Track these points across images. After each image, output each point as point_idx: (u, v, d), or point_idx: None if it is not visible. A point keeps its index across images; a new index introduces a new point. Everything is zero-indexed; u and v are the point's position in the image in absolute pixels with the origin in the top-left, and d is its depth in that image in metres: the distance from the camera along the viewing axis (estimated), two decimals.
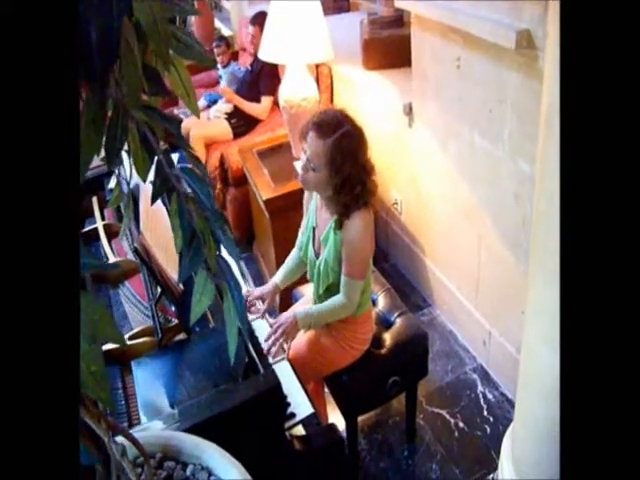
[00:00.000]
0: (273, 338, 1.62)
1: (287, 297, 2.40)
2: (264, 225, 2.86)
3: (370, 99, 2.95)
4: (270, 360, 1.54)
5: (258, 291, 1.86)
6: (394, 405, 2.30)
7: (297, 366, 1.71)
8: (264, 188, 2.68)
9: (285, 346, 1.66)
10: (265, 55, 2.60)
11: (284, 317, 1.69)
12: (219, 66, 3.95)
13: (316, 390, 1.93)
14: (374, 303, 2.12)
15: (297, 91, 2.64)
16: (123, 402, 1.36)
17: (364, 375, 1.90)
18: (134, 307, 1.72)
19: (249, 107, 3.57)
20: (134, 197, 1.64)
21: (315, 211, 1.79)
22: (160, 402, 1.26)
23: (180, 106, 4.30)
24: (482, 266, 2.30)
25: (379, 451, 2.20)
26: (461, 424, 2.23)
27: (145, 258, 1.37)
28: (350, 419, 2.00)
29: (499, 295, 2.23)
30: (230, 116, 3.62)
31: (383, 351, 1.94)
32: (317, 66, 3.23)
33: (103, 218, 2.07)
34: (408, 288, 2.97)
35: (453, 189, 2.37)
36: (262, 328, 1.76)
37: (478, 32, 1.79)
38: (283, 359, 1.60)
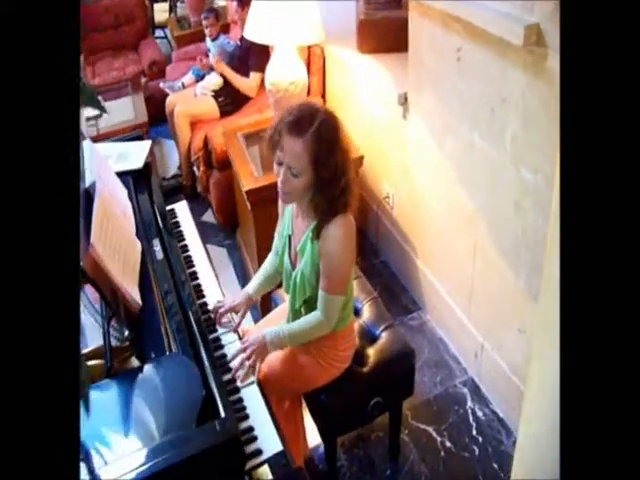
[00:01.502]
0: (240, 359, 1.50)
1: (267, 301, 2.28)
2: (246, 215, 2.75)
3: (364, 85, 2.78)
4: (238, 384, 1.43)
5: (229, 303, 1.73)
6: (378, 419, 2.18)
7: (271, 383, 1.61)
8: (247, 177, 2.56)
9: (255, 368, 1.53)
10: (251, 34, 2.44)
11: (253, 337, 1.57)
12: (208, 39, 3.77)
13: (292, 409, 1.81)
14: (358, 313, 1.99)
15: (284, 74, 2.47)
16: None
17: (344, 395, 1.78)
18: (91, 317, 1.56)
19: (238, 81, 3.41)
20: (89, 196, 1.48)
21: (291, 219, 1.65)
22: (101, 447, 1.12)
23: (166, 79, 4.12)
24: (477, 275, 2.16)
25: (360, 468, 2.10)
26: (448, 443, 2.12)
27: (91, 277, 1.22)
28: (329, 439, 1.89)
29: (494, 308, 2.10)
30: (217, 94, 3.47)
31: (365, 369, 1.82)
32: (309, 46, 3.06)
33: None
34: (398, 288, 2.84)
35: (448, 190, 2.22)
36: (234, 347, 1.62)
37: (482, 23, 1.61)
38: (252, 383, 1.48)
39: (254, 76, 3.35)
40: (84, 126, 3.64)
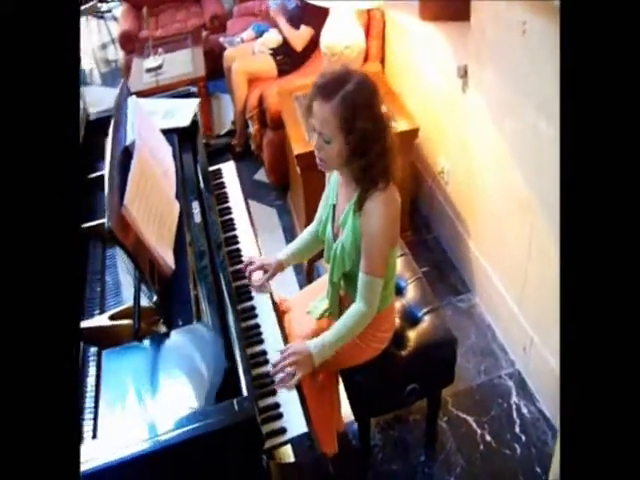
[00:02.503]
0: (281, 365, 1.44)
1: (311, 270, 2.24)
2: (297, 178, 2.71)
3: (423, 54, 2.64)
4: (276, 387, 1.39)
5: (259, 261, 1.70)
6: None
7: None
8: (297, 141, 2.51)
9: (295, 376, 1.44)
10: None
11: (297, 347, 1.50)
12: None
13: (329, 383, 1.77)
14: (401, 292, 1.92)
15: (341, 37, 2.39)
16: (94, 393, 1.23)
17: (380, 377, 1.74)
18: (127, 275, 1.54)
19: (288, 32, 3.35)
20: (129, 153, 1.44)
21: (336, 188, 1.61)
22: (121, 411, 1.11)
23: (226, 34, 4.07)
24: (531, 264, 2.03)
25: (393, 450, 2.05)
26: (488, 437, 2.04)
27: (122, 241, 1.19)
28: (362, 419, 1.85)
29: (547, 301, 1.96)
30: (275, 52, 3.40)
31: (404, 353, 1.76)
32: (368, 10, 2.93)
33: None
34: (448, 267, 2.73)
35: (504, 173, 2.09)
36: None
37: None
38: (290, 387, 1.41)
39: (304, 29, 3.28)
40: (144, 77, 3.65)
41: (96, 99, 4.01)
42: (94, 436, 1.10)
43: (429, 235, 2.92)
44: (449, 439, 2.05)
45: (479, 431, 2.06)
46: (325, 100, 1.35)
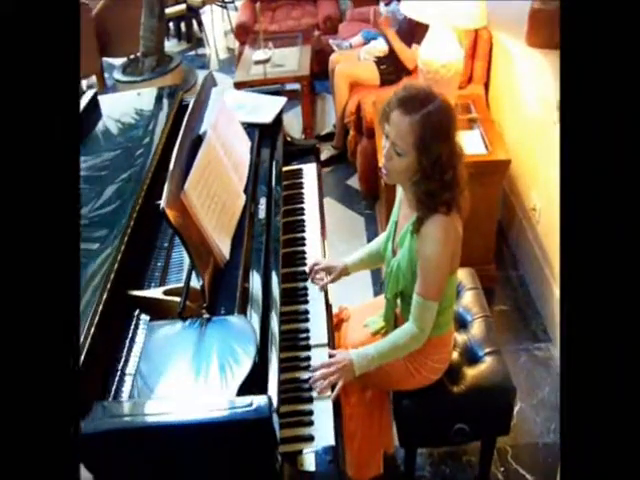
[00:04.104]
0: (323, 373, 1.48)
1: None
2: (382, 190, 2.73)
3: (525, 81, 2.59)
4: (314, 394, 1.43)
5: (325, 263, 1.77)
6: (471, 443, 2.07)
7: None
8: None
9: (338, 385, 1.49)
10: (407, 8, 2.41)
11: (340, 356, 1.54)
12: (382, 3, 3.76)
13: (378, 401, 1.80)
14: (465, 327, 1.90)
15: (438, 55, 2.40)
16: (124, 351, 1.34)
17: (427, 408, 1.74)
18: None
19: (400, 48, 3.40)
20: (200, 138, 1.54)
21: (399, 205, 1.64)
22: (150, 381, 1.20)
23: (336, 37, 4.20)
24: None
25: None
26: None
27: (173, 224, 1.28)
28: (407, 447, 1.85)
29: None
30: (380, 61, 3.48)
31: (456, 389, 1.73)
32: (476, 30, 2.93)
33: None
34: (531, 310, 2.64)
35: None
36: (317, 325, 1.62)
37: None
38: (328, 398, 1.44)
39: (416, 48, 3.28)
40: (253, 68, 3.85)
41: None
42: (130, 396, 1.21)
43: (514, 272, 2.84)
44: None
45: None
46: (405, 113, 1.38)
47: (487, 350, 1.81)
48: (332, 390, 1.45)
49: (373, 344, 1.59)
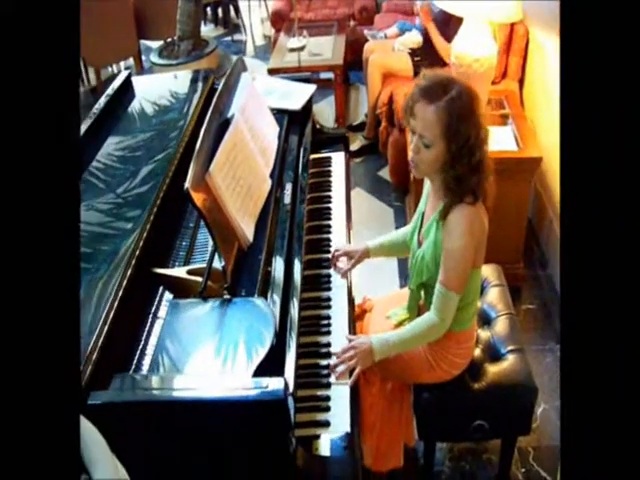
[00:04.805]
0: (342, 357, 1.50)
1: None
2: (412, 183, 2.73)
3: (557, 79, 2.52)
4: (332, 379, 1.45)
5: (346, 248, 1.78)
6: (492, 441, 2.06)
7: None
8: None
9: (356, 370, 1.51)
10: (441, 1, 2.36)
11: (360, 341, 1.56)
12: None
13: (400, 395, 1.80)
14: (489, 323, 1.89)
15: (472, 49, 2.37)
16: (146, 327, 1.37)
17: (447, 402, 1.73)
18: None
19: (439, 41, 3.34)
20: (228, 122, 1.55)
21: (427, 196, 1.65)
22: (168, 357, 1.23)
23: (372, 28, 4.17)
24: None
25: None
26: None
27: (197, 205, 1.29)
28: (426, 440, 1.86)
29: None
30: (414, 52, 3.44)
31: (477, 385, 1.72)
32: (512, 24, 2.87)
33: None
34: (556, 310, 2.60)
35: None
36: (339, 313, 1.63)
37: None
38: (346, 384, 1.46)
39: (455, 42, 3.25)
40: (287, 55, 3.86)
41: None
42: (150, 370, 1.23)
43: (543, 272, 2.80)
44: None
45: None
46: (429, 102, 1.39)
47: (510, 348, 1.79)
48: (350, 376, 1.47)
49: (395, 331, 1.61)
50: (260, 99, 1.80)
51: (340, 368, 1.47)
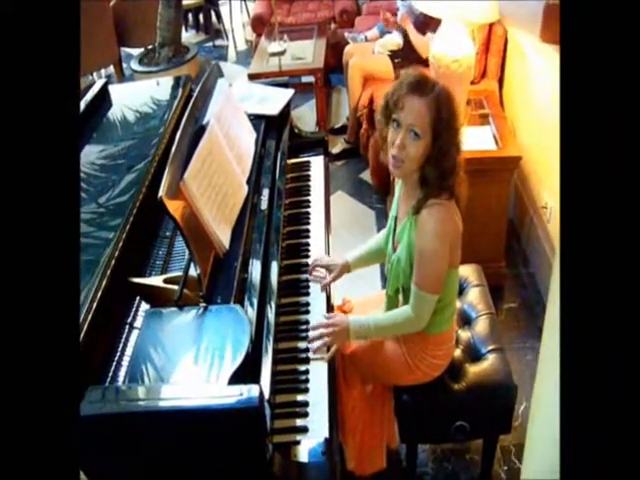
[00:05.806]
0: (319, 332, 1.53)
1: None
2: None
3: (539, 78, 2.56)
4: (310, 355, 1.48)
5: (326, 260, 1.78)
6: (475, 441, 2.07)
7: (355, 362, 1.69)
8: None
9: (332, 348, 1.55)
10: (419, 3, 2.37)
11: (339, 318, 1.59)
12: None
13: (381, 398, 1.81)
14: (469, 324, 1.90)
15: (450, 49, 2.38)
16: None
17: (427, 404, 1.74)
18: None
19: (415, 37, 3.40)
20: (203, 128, 1.55)
21: (398, 199, 1.65)
22: (144, 366, 1.22)
23: (352, 30, 4.19)
24: None
25: None
26: None
27: (172, 213, 1.29)
28: (408, 443, 1.86)
29: None
30: (394, 54, 3.47)
31: (457, 386, 1.73)
32: (490, 25, 2.90)
33: None
34: (540, 308, 2.61)
35: None
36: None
37: None
38: (322, 359, 1.49)
39: (430, 37, 3.27)
40: (268, 60, 3.87)
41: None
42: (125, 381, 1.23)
43: (524, 270, 2.82)
44: None
45: None
46: (420, 95, 1.41)
47: (490, 348, 1.80)
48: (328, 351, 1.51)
49: (373, 316, 1.63)
50: (236, 105, 1.80)
51: (317, 343, 1.51)
